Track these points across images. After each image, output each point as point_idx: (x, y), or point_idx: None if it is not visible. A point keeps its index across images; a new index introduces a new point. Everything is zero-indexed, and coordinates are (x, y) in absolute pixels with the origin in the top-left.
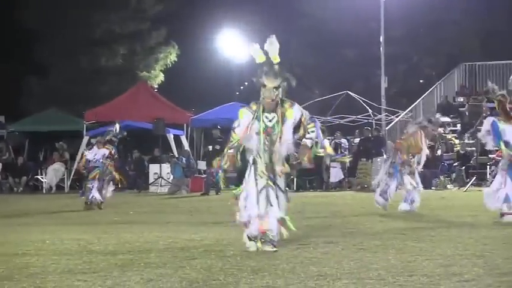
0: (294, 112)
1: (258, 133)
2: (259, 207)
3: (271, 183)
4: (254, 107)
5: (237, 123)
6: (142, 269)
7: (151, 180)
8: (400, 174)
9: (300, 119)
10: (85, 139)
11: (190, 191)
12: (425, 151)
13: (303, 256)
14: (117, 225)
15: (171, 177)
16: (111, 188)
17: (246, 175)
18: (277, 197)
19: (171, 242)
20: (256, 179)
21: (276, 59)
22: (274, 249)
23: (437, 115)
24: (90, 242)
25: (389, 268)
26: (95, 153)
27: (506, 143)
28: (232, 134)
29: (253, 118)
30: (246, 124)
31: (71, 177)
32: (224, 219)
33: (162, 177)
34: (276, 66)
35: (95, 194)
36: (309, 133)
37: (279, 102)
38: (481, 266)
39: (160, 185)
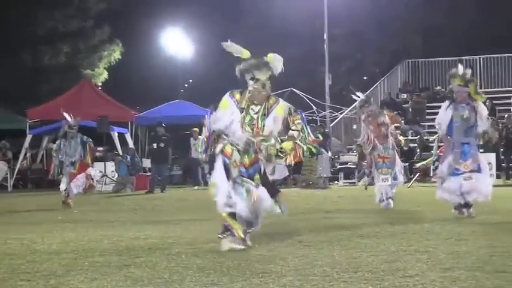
0: (284, 108)
1: (243, 124)
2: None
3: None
4: (238, 96)
5: (215, 115)
6: (86, 268)
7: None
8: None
9: (289, 114)
10: (28, 137)
11: (135, 189)
12: (367, 136)
13: (248, 253)
14: (61, 224)
15: (116, 175)
16: (77, 183)
17: (216, 165)
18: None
19: (115, 240)
20: (228, 169)
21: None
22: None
23: (359, 94)
24: (34, 242)
25: (334, 264)
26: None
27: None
28: (208, 124)
29: (236, 108)
30: (227, 115)
31: (14, 176)
32: (169, 217)
33: (107, 176)
34: (265, 59)
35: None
36: (295, 125)
37: (269, 95)
38: (424, 261)
39: (105, 183)
